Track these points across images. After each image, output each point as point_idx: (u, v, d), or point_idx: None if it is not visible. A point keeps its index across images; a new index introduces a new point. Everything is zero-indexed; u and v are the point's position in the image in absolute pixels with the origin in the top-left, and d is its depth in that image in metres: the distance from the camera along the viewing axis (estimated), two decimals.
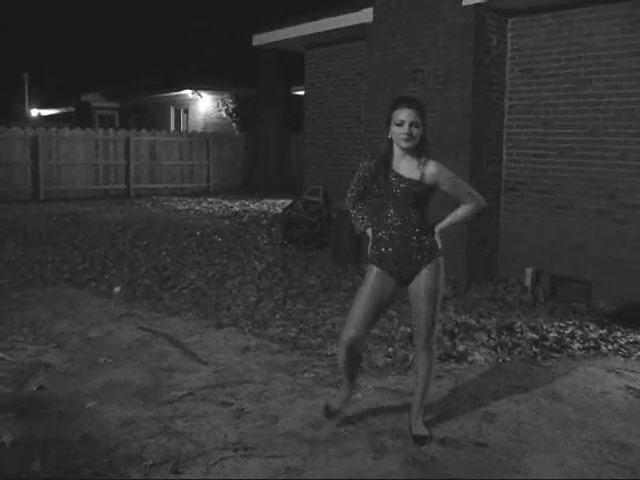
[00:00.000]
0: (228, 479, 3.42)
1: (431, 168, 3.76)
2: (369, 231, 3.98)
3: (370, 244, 3.93)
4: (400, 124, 3.69)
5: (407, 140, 3.70)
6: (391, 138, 3.77)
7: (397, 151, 3.80)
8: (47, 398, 4.42)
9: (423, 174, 3.75)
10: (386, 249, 3.83)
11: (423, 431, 3.90)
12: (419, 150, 3.77)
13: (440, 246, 3.99)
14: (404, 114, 3.68)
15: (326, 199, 10.32)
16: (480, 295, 7.24)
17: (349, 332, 3.83)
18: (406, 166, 3.78)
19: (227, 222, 13.89)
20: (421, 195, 3.79)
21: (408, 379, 4.86)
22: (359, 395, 4.54)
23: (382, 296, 3.86)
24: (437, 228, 3.99)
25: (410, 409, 4.03)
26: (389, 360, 5.21)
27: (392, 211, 3.81)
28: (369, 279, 3.86)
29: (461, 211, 4.02)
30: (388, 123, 3.76)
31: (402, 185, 3.74)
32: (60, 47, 38.82)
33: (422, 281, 3.87)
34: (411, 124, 3.67)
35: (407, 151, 3.76)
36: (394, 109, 3.73)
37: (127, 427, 3.99)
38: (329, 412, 4.08)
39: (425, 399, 4.00)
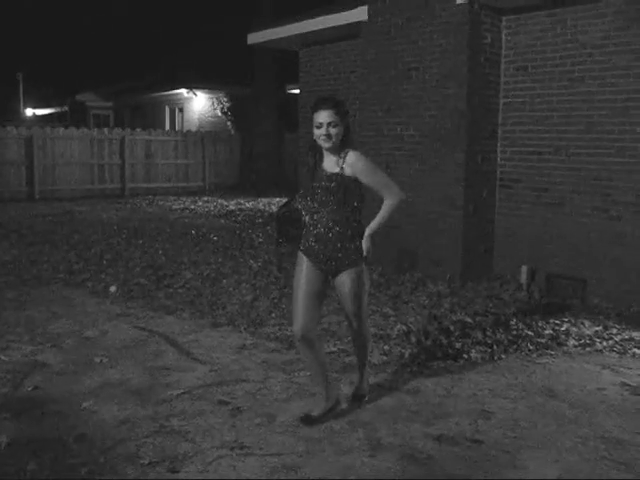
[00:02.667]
0: (225, 478, 3.42)
1: (348, 158, 3.93)
2: (303, 221, 4.15)
3: (303, 233, 4.11)
4: (319, 126, 3.88)
5: (326, 141, 3.89)
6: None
7: (324, 150, 3.99)
8: (43, 398, 4.42)
9: (342, 167, 3.93)
10: (314, 244, 4.00)
11: (363, 390, 4.39)
12: (342, 146, 3.95)
13: (366, 253, 4.06)
14: (321, 116, 3.88)
15: None
16: (475, 293, 7.25)
17: (296, 325, 3.98)
18: (329, 163, 3.98)
19: (223, 221, 13.88)
20: (343, 190, 3.92)
21: (405, 376, 4.87)
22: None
23: (315, 286, 4.00)
24: (366, 233, 4.05)
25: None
26: (385, 358, 5.22)
27: (320, 209, 3.96)
28: (301, 270, 4.02)
29: (383, 210, 4.08)
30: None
31: (324, 182, 3.92)
32: (55, 47, 38.76)
33: (344, 283, 4.04)
34: (329, 124, 3.86)
35: (331, 150, 3.94)
36: (313, 111, 3.93)
37: (123, 426, 3.99)
38: (309, 419, 4.05)
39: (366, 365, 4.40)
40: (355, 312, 4.12)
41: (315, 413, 4.08)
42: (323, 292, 4.09)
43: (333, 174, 3.92)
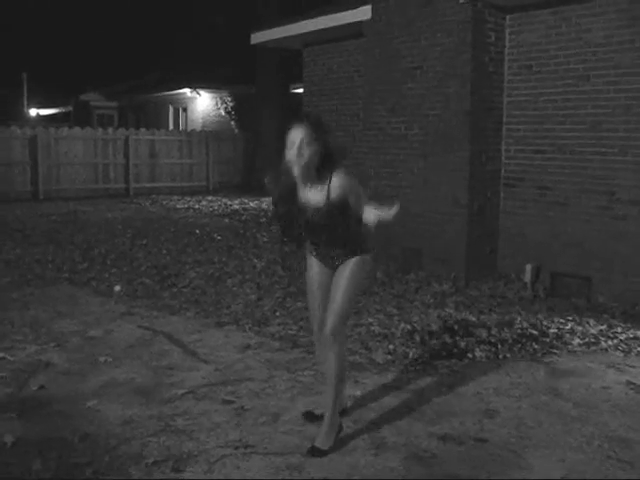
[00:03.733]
0: (229, 477, 3.42)
1: (335, 181, 3.52)
2: None
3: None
4: (290, 146, 3.44)
5: (297, 162, 3.44)
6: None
7: (298, 179, 3.57)
8: (48, 397, 4.43)
9: (329, 191, 3.53)
10: (319, 253, 3.87)
11: (323, 444, 3.66)
12: (323, 168, 3.52)
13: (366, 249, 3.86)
14: (292, 134, 3.45)
15: None
16: (480, 292, 7.24)
17: (316, 328, 3.93)
18: (312, 190, 3.58)
19: (227, 220, 13.89)
20: (334, 212, 3.59)
21: (409, 375, 4.86)
22: (358, 392, 4.54)
23: (327, 286, 3.84)
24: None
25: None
26: (389, 357, 5.21)
27: (318, 239, 3.80)
28: (310, 273, 3.93)
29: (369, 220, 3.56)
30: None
31: (312, 213, 3.61)
32: (59, 47, 38.78)
33: (344, 269, 3.78)
34: (300, 145, 3.42)
35: (306, 175, 3.51)
36: (287, 131, 3.49)
37: (128, 426, 3.99)
38: (312, 416, 4.03)
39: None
40: (338, 302, 3.69)
41: (319, 412, 4.00)
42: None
43: (321, 203, 3.56)
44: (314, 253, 3.90)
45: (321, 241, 3.81)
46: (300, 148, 3.42)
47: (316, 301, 3.91)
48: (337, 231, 3.70)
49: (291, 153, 3.44)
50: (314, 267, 3.91)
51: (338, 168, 3.56)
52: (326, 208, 3.56)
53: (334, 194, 3.53)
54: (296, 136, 3.43)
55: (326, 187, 3.54)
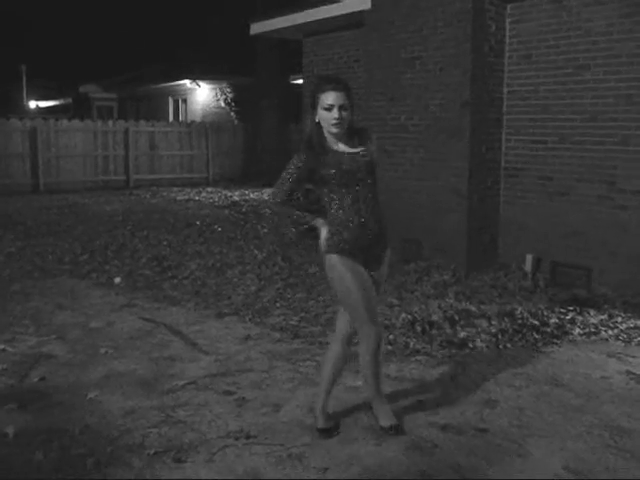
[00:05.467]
0: (230, 468, 3.43)
1: (373, 139, 3.69)
2: (318, 222, 3.65)
3: (327, 234, 3.61)
4: (329, 109, 3.47)
5: (337, 125, 3.49)
6: (319, 122, 3.54)
7: (328, 135, 3.58)
8: (49, 389, 4.44)
9: (369, 147, 3.62)
10: (356, 235, 3.55)
11: (392, 420, 3.82)
12: (350, 131, 3.59)
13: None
14: (332, 97, 3.45)
15: None
16: (480, 282, 7.24)
17: (372, 330, 3.62)
18: (344, 146, 3.59)
19: (227, 212, 13.88)
20: (372, 168, 3.60)
21: (410, 365, 4.87)
22: (359, 382, 4.55)
23: (369, 280, 3.61)
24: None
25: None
26: (390, 347, 5.21)
27: (352, 192, 3.53)
28: (347, 272, 3.54)
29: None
30: (313, 106, 3.53)
31: (354, 161, 3.53)
32: (58, 39, 38.71)
33: (377, 274, 3.71)
34: (341, 107, 3.47)
35: (337, 135, 3.55)
36: (321, 92, 3.49)
37: (129, 417, 4.00)
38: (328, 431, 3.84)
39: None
40: (378, 298, 3.72)
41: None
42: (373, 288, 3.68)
43: (357, 152, 3.55)
44: (343, 247, 3.55)
45: (363, 203, 3.55)
46: (340, 111, 3.47)
47: (365, 301, 3.56)
48: (376, 189, 3.63)
49: (332, 115, 3.47)
50: (347, 264, 3.55)
51: (370, 132, 3.71)
52: (370, 157, 3.59)
53: (372, 149, 3.64)
54: (337, 100, 3.46)
55: (368, 142, 3.64)
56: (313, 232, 3.79)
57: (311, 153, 3.55)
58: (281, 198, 3.62)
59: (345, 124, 3.52)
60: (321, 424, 3.82)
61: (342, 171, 3.52)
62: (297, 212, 3.68)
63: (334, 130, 3.51)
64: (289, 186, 3.59)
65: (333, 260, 3.58)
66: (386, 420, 3.82)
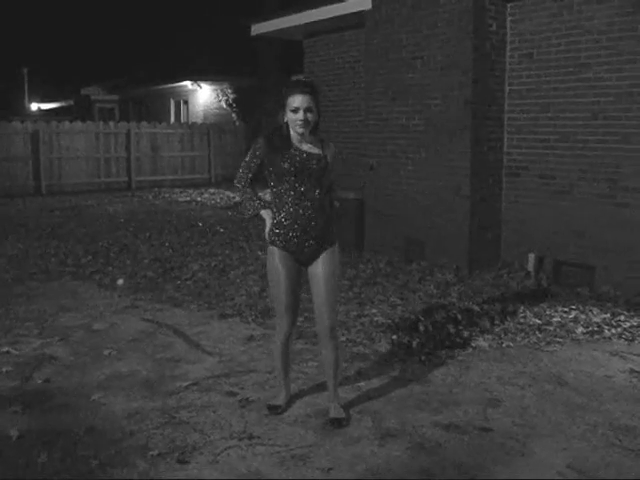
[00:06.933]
0: (234, 468, 3.43)
1: (330, 148, 3.92)
2: (265, 212, 3.93)
3: (270, 226, 3.89)
4: (295, 111, 3.72)
5: (302, 126, 3.75)
6: (287, 122, 3.80)
7: (293, 134, 3.84)
8: (53, 391, 4.44)
9: (324, 152, 3.86)
10: (294, 230, 3.81)
11: (340, 414, 3.96)
12: (313, 132, 3.85)
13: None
14: (298, 100, 3.72)
15: None
16: (483, 281, 7.24)
17: (283, 328, 3.94)
18: (307, 145, 3.84)
19: (229, 213, 13.89)
20: (325, 172, 3.86)
21: (413, 365, 4.87)
22: (362, 382, 4.55)
23: (295, 280, 3.90)
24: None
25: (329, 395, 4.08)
26: (393, 347, 5.21)
27: (301, 189, 3.80)
28: (278, 266, 3.86)
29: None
30: (283, 107, 3.79)
31: (311, 161, 3.80)
32: (59, 41, 38.76)
33: (323, 263, 3.90)
34: (306, 110, 3.72)
35: (303, 136, 3.81)
36: (288, 95, 3.76)
37: (133, 418, 4.01)
38: (276, 409, 4.07)
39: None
40: (329, 298, 3.86)
41: (280, 402, 4.11)
42: (301, 286, 4.00)
43: (317, 154, 3.83)
44: (282, 242, 3.84)
45: (309, 199, 3.80)
46: (306, 114, 3.73)
47: (287, 297, 3.88)
48: (324, 189, 3.88)
49: (297, 117, 3.73)
50: (282, 260, 3.86)
51: (329, 142, 3.98)
52: (324, 160, 3.85)
53: (329, 156, 3.90)
54: (302, 103, 3.72)
55: (324, 147, 3.90)
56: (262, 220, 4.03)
57: (271, 143, 3.82)
58: (241, 183, 3.98)
59: (310, 125, 3.78)
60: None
61: (295, 168, 3.78)
62: (252, 198, 3.96)
63: (299, 130, 3.77)
64: (249, 171, 3.94)
65: (270, 251, 3.91)
66: (278, 400, 4.12)
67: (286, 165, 3.77)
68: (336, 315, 3.99)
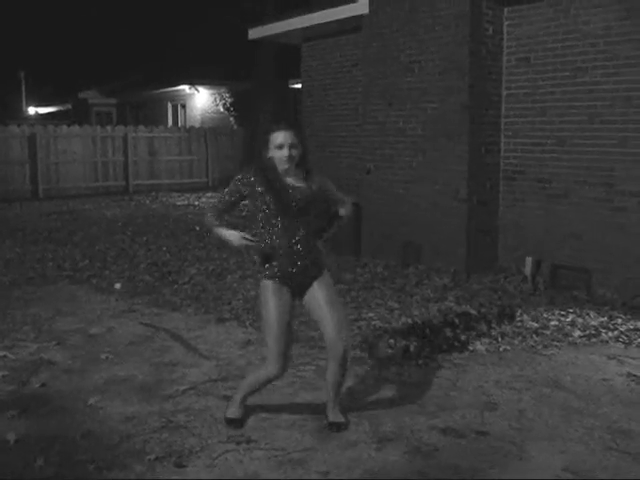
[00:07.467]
0: (231, 472, 3.43)
1: (317, 180, 3.93)
2: (219, 230, 4.02)
3: (263, 259, 3.85)
4: (280, 147, 3.77)
5: (288, 162, 3.78)
6: (271, 157, 3.82)
7: (280, 171, 3.84)
8: (50, 395, 4.44)
9: (312, 184, 3.89)
10: (291, 264, 3.79)
11: (339, 418, 3.96)
12: (300, 167, 3.87)
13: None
14: (281, 137, 3.77)
15: None
16: (480, 285, 7.25)
17: (277, 365, 3.77)
18: (291, 179, 3.86)
19: (227, 217, 13.84)
20: (316, 205, 3.90)
21: (410, 369, 4.87)
22: (361, 387, 4.56)
23: (289, 315, 3.82)
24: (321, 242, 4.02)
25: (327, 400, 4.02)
26: (390, 351, 5.21)
27: (300, 226, 3.80)
28: (272, 301, 3.77)
29: (344, 213, 4.09)
30: (267, 144, 3.83)
31: (297, 194, 3.81)
32: (56, 44, 38.74)
33: (321, 287, 3.87)
34: (290, 146, 3.76)
35: (288, 171, 3.83)
36: (272, 132, 3.83)
37: (130, 422, 4.00)
38: (236, 422, 3.99)
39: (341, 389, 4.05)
40: (341, 316, 3.85)
41: (238, 416, 4.02)
42: (293, 318, 3.96)
43: (302, 187, 3.84)
44: (284, 280, 3.79)
45: (303, 234, 3.80)
46: (290, 150, 3.77)
47: (279, 333, 3.74)
48: (317, 223, 3.91)
49: (282, 153, 3.77)
50: (277, 295, 3.78)
51: (315, 174, 3.99)
52: (311, 192, 3.86)
53: (315, 186, 3.90)
54: (287, 139, 3.78)
55: (309, 181, 3.90)
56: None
57: (264, 178, 3.82)
58: (213, 215, 4.08)
59: (295, 160, 3.82)
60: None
61: (283, 202, 3.79)
62: (219, 229, 4.05)
63: (285, 166, 3.81)
64: (224, 207, 4.04)
65: (264, 285, 3.83)
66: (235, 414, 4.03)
67: (273, 199, 3.78)
68: (349, 338, 3.95)
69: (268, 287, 3.80)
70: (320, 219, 3.96)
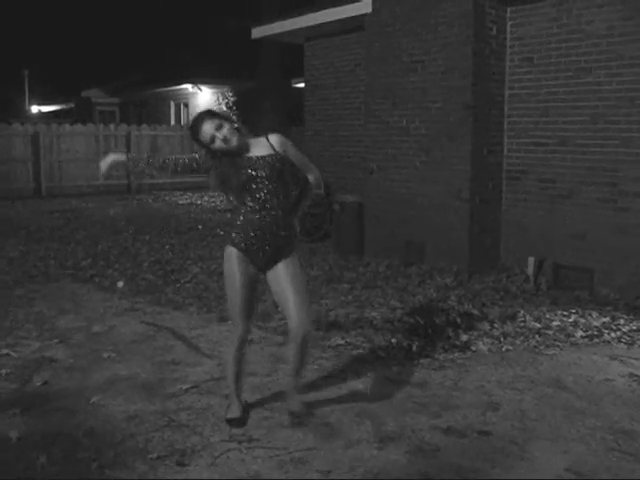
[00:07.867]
0: (234, 471, 3.43)
1: (274, 137, 3.84)
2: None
3: (240, 225, 3.85)
4: (212, 140, 3.74)
5: (229, 142, 3.72)
6: (219, 152, 3.78)
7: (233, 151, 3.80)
8: (52, 393, 4.44)
9: (272, 146, 3.79)
10: (256, 235, 3.77)
11: (297, 406, 4.00)
12: (247, 136, 3.83)
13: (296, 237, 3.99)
14: (207, 128, 3.74)
15: (327, 190, 10.31)
16: (483, 285, 7.24)
17: (238, 330, 3.90)
18: (254, 150, 3.79)
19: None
20: (283, 170, 3.79)
21: (412, 368, 4.87)
22: (361, 385, 4.55)
23: (252, 285, 3.86)
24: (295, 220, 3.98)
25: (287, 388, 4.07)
26: (392, 350, 5.21)
27: (267, 195, 3.75)
28: (235, 270, 3.79)
29: (311, 186, 4.02)
30: (205, 148, 3.85)
31: (264, 166, 3.73)
32: (60, 43, 38.79)
33: (288, 267, 3.84)
34: (216, 129, 3.71)
35: (240, 146, 3.76)
36: (197, 133, 3.80)
37: (132, 421, 4.01)
38: (237, 421, 3.97)
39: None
40: (303, 298, 3.81)
41: (236, 414, 3.99)
42: (257, 290, 3.97)
43: (268, 155, 3.76)
44: (249, 251, 3.78)
45: (272, 204, 3.75)
46: (218, 132, 3.71)
47: (243, 301, 3.82)
48: (286, 190, 3.83)
49: (219, 143, 3.73)
50: (239, 264, 3.79)
51: (271, 133, 3.89)
52: (274, 158, 3.76)
53: (279, 148, 3.80)
54: (209, 129, 3.73)
55: (267, 144, 3.80)
56: None
57: (221, 169, 3.82)
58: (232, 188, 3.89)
59: (235, 134, 3.74)
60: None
61: (247, 175, 3.74)
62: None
63: (232, 145, 3.73)
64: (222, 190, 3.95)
65: (228, 252, 3.83)
66: (234, 413, 4.00)
67: (241, 177, 3.75)
68: (310, 321, 3.88)
69: (231, 256, 3.81)
70: (293, 184, 3.89)
